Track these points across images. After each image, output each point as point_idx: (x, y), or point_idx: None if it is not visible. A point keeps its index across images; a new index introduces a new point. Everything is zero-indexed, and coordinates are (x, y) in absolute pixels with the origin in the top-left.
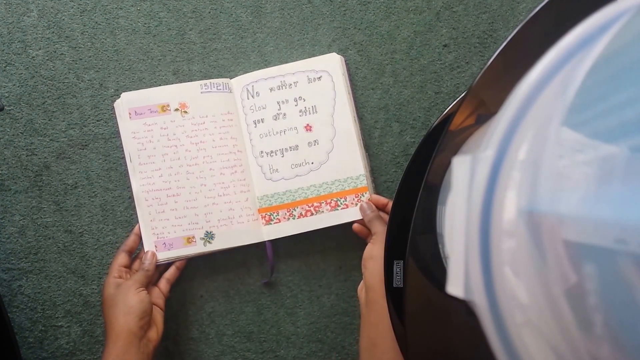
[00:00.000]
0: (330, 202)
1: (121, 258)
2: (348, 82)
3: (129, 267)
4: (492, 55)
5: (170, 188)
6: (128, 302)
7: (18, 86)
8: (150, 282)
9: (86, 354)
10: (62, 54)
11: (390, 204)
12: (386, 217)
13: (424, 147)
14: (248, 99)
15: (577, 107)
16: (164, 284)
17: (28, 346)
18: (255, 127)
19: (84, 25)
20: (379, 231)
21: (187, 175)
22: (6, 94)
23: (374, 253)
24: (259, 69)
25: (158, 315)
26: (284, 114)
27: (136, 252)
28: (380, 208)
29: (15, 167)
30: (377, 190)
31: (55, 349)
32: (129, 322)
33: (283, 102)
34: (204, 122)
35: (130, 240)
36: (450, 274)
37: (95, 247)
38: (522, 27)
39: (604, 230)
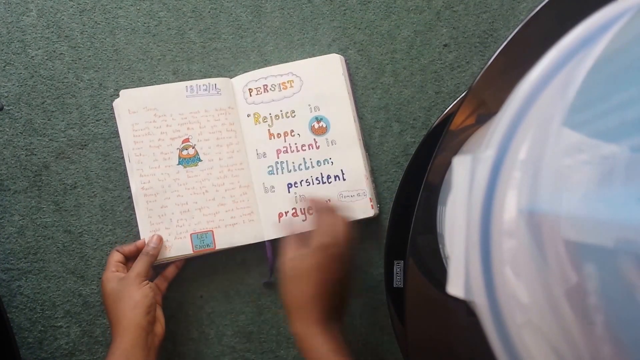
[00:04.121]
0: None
1: (117, 256)
2: (348, 82)
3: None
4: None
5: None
6: (133, 296)
7: (17, 86)
8: (150, 271)
9: (85, 354)
10: (61, 53)
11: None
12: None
13: (424, 147)
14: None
15: (578, 106)
16: (161, 281)
17: (27, 346)
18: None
19: (84, 25)
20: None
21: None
22: (5, 94)
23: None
24: (259, 68)
25: (159, 310)
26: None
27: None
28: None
29: (15, 167)
30: (377, 190)
31: (55, 349)
32: (137, 317)
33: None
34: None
35: (128, 248)
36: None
37: (95, 247)
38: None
39: (605, 230)
